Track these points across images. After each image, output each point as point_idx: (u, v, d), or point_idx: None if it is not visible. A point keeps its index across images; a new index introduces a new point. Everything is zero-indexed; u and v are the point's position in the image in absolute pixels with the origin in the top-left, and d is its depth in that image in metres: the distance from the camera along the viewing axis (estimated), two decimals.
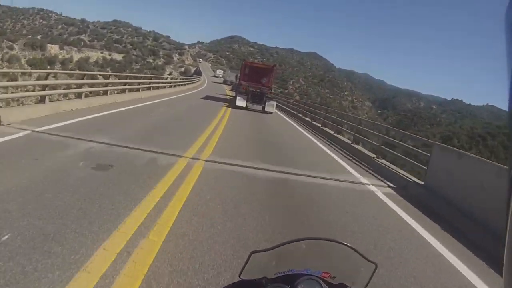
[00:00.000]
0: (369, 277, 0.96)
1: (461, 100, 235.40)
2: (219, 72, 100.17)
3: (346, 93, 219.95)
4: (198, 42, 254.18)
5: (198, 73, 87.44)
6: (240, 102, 23.01)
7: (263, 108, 23.58)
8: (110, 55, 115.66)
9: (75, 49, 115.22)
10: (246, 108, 23.09)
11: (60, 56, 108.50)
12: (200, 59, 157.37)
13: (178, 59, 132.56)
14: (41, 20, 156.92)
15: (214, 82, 69.35)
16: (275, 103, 24.89)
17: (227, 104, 24.52)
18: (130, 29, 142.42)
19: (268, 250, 0.90)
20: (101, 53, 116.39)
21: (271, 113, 23.63)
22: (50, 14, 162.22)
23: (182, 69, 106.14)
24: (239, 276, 0.92)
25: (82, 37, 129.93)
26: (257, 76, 24.60)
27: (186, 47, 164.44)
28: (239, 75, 28.35)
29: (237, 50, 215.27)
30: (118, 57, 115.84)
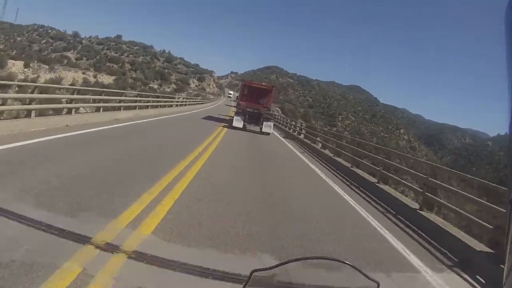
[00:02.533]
0: None
1: None
2: (231, 93, 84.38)
3: (402, 131, 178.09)
4: (231, 73, 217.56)
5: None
6: (237, 122, 21.50)
7: (260, 129, 22.32)
8: (95, 76, 75.97)
9: (46, 67, 76.04)
10: (244, 129, 21.65)
11: (21, 76, 69.99)
12: (231, 92, 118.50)
13: (196, 85, 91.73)
14: (37, 37, 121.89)
15: (227, 105, 61.38)
16: (272, 123, 23.58)
17: (226, 124, 22.43)
18: (136, 47, 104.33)
19: (270, 269, 0.85)
20: (83, 73, 76.79)
21: (268, 134, 22.21)
22: (49, 31, 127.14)
23: (198, 98, 64.02)
24: None
25: (69, 53, 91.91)
26: (255, 96, 23.06)
27: (214, 74, 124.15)
28: (238, 95, 27.61)
29: (275, 81, 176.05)
30: (107, 79, 76.12)
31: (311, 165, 12.95)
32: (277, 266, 0.85)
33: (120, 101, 16.12)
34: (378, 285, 0.88)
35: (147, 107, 20.46)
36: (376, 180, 10.18)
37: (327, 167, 13.32)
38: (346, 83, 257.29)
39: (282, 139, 22.39)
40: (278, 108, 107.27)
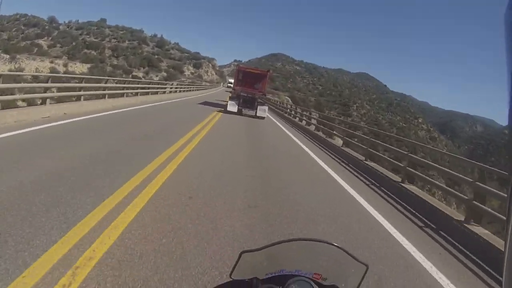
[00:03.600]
0: (361, 279, 0.92)
1: None
2: (231, 81, 60.43)
3: (420, 120, 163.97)
4: (235, 61, 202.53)
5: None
6: (232, 107, 21.60)
7: (255, 113, 21.92)
8: (66, 65, 61.51)
9: (7, 57, 61.90)
10: (239, 113, 21.51)
11: None
12: (231, 80, 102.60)
13: (192, 73, 76.83)
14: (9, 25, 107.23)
15: (227, 91, 52.29)
16: (266, 107, 23.41)
17: (221, 109, 22.59)
18: (123, 31, 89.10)
19: (258, 250, 0.86)
20: (51, 62, 62.34)
21: (263, 118, 21.97)
22: (32, 20, 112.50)
23: (193, 86, 49.44)
24: (230, 276, 0.88)
25: (41, 41, 77.29)
26: (250, 81, 22.98)
27: (215, 61, 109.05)
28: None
29: (281, 68, 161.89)
30: (80, 68, 61.68)
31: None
32: (265, 247, 0.85)
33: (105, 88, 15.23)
34: (367, 268, 0.89)
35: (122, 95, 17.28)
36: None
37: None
38: (354, 71, 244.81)
39: (296, 140, 14.53)
40: (288, 98, 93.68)
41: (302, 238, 0.85)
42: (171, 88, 30.01)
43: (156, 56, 75.16)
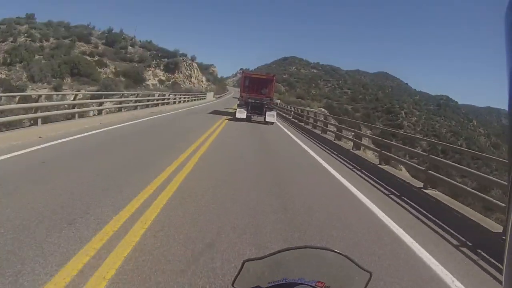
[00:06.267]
0: (364, 286, 0.91)
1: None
2: None
3: (475, 123, 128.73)
4: (240, 69, 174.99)
5: None
6: (240, 114, 21.66)
7: (264, 118, 21.82)
8: None
9: None
10: (248, 120, 21.56)
11: None
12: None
13: (162, 78, 43.70)
14: None
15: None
16: (275, 112, 23.23)
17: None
18: (52, 28, 55.85)
19: (261, 259, 0.85)
20: None
21: (272, 123, 21.83)
22: None
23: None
24: (232, 285, 0.87)
25: None
26: (257, 87, 23.21)
27: (214, 68, 77.84)
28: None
29: (297, 73, 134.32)
30: None
31: None
32: (269, 255, 0.84)
33: None
34: (371, 275, 0.88)
35: None
36: None
37: None
38: (372, 71, 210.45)
39: None
40: (324, 109, 64.78)
41: (306, 246, 0.84)
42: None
43: (95, 58, 42.43)
